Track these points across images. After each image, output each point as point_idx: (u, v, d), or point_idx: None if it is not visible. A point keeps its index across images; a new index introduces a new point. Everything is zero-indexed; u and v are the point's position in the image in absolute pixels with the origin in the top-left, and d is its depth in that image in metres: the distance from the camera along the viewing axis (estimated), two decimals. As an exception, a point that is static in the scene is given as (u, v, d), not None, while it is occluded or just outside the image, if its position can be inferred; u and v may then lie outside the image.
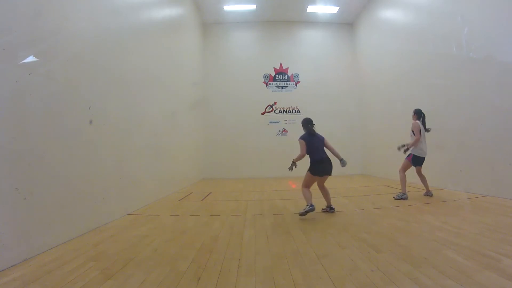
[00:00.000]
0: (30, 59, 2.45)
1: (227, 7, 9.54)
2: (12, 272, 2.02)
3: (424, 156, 4.79)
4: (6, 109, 2.20)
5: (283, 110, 10.44)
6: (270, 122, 10.34)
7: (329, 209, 3.88)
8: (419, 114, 4.91)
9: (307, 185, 3.75)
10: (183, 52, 7.81)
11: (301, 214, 3.54)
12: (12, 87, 2.26)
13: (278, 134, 10.31)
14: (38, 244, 2.42)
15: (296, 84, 10.57)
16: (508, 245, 2.30)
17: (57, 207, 2.67)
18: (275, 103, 10.45)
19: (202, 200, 5.33)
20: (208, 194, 6.02)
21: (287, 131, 10.29)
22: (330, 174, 3.78)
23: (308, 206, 3.51)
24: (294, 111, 10.43)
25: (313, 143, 3.77)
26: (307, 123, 3.90)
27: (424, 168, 4.87)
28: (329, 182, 3.98)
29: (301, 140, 3.78)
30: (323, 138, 3.88)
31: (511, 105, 4.24)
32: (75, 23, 3.06)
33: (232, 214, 3.99)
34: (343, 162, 3.79)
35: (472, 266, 1.92)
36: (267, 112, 10.42)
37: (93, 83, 3.36)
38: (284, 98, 10.45)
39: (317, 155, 3.74)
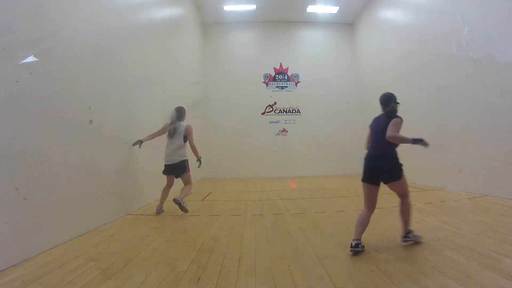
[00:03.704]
0: (30, 59, 2.45)
1: (227, 7, 9.53)
2: (12, 272, 2.02)
3: (165, 163, 4.03)
4: (6, 109, 2.19)
5: (283, 110, 10.42)
6: (270, 122, 10.33)
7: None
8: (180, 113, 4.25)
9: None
10: (183, 52, 7.80)
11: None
12: (12, 87, 2.26)
13: (278, 134, 10.28)
14: (38, 244, 2.42)
15: (296, 84, 10.56)
16: (508, 245, 2.29)
17: (57, 207, 2.67)
18: (275, 103, 10.43)
19: (202, 200, 5.33)
20: (208, 194, 6.01)
21: (287, 131, 10.27)
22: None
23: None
24: (294, 111, 10.42)
25: None
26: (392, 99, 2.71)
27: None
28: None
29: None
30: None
31: (511, 105, 4.23)
32: (75, 23, 3.06)
33: (232, 214, 4.00)
34: None
35: (472, 266, 1.92)
36: (267, 112, 10.40)
37: (93, 83, 3.36)
38: (284, 98, 10.43)
39: None
